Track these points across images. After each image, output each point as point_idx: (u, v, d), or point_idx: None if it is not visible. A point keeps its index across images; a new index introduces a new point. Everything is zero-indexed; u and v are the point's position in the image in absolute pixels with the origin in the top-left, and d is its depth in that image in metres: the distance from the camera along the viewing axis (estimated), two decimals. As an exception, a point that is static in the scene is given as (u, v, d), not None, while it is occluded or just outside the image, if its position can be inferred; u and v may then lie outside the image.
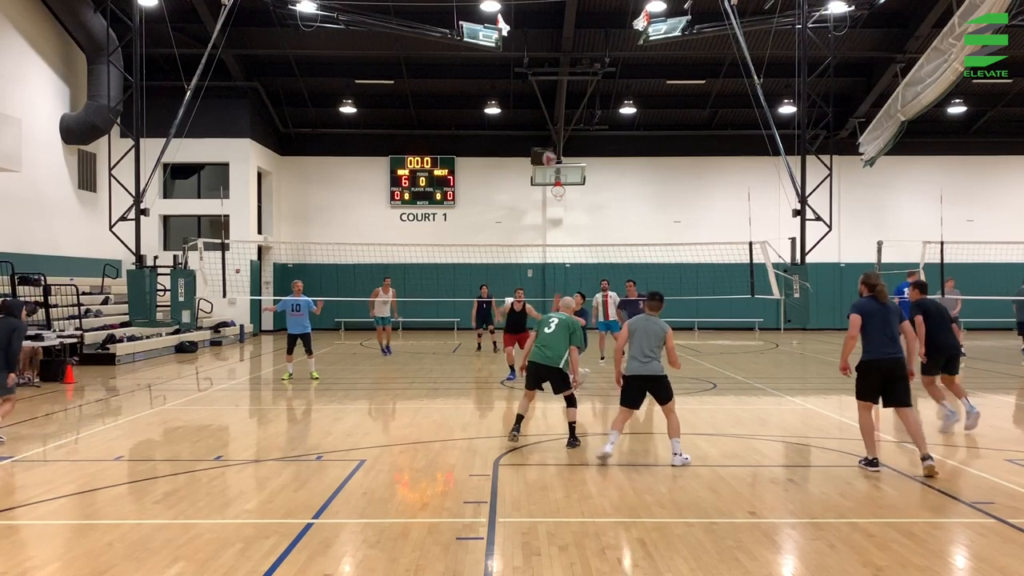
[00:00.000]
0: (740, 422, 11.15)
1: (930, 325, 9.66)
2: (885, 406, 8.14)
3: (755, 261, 19.15)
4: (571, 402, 9.51)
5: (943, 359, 9.81)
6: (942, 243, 18.47)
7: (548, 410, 12.08)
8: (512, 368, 15.47)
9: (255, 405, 13.42)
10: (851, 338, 8.14)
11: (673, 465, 8.32)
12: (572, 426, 9.43)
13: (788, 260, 19.93)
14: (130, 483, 7.78)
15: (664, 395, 8.59)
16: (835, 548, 5.75)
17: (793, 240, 20.02)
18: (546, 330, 9.56)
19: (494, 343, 22.09)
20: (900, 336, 8.10)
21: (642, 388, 8.65)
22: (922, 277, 18.49)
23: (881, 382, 7.97)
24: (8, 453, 8.93)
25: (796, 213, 20.14)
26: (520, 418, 9.68)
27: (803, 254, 19.93)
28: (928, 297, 10.05)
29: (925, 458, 7.77)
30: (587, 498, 7.07)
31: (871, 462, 8.05)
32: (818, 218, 20.37)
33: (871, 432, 8.12)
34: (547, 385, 9.56)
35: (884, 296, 8.07)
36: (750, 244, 19.15)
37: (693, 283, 24.43)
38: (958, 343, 10.02)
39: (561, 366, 9.35)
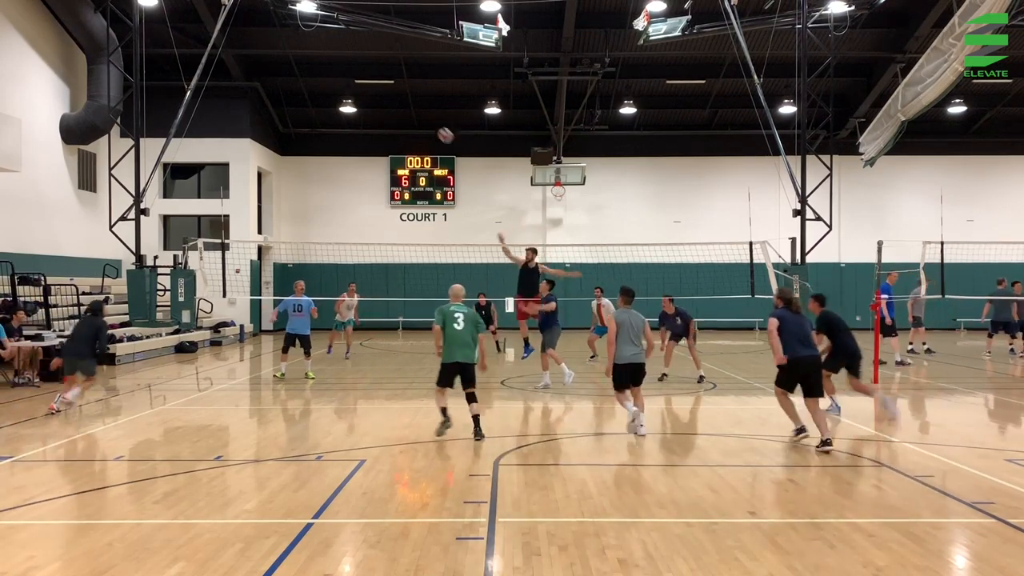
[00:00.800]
0: (740, 422, 11.15)
1: (837, 334, 10.54)
2: (804, 396, 9.34)
3: (755, 261, 19.16)
4: (473, 398, 9.81)
5: (845, 361, 10.61)
6: (942, 243, 18.47)
7: (548, 410, 12.10)
8: (527, 342, 15.69)
9: (255, 405, 13.42)
10: (775, 337, 9.36)
11: (637, 434, 9.59)
12: (476, 419, 9.73)
13: (788, 260, 19.95)
14: (130, 483, 7.78)
15: (641, 379, 10.07)
16: (835, 548, 5.75)
17: (793, 240, 20.04)
18: (455, 327, 9.74)
19: (497, 343, 22.11)
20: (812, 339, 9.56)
21: (634, 373, 9.96)
22: (922, 277, 18.63)
23: (798, 376, 9.36)
24: (8, 453, 8.93)
25: (796, 213, 20.16)
26: (445, 410, 9.85)
27: (803, 254, 19.96)
28: (828, 310, 10.88)
29: (825, 442, 8.98)
30: (587, 498, 7.07)
31: (800, 430, 9.63)
32: (818, 218, 20.39)
33: (791, 407, 9.66)
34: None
35: (797, 308, 9.69)
36: (750, 244, 19.17)
37: (693, 283, 24.41)
38: (859, 350, 10.65)
39: (475, 359, 9.80)
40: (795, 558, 5.68)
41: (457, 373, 9.76)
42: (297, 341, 15.46)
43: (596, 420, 11.42)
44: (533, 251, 15.36)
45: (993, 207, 29.70)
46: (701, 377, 14.82)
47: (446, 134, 18.87)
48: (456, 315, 9.81)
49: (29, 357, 14.77)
